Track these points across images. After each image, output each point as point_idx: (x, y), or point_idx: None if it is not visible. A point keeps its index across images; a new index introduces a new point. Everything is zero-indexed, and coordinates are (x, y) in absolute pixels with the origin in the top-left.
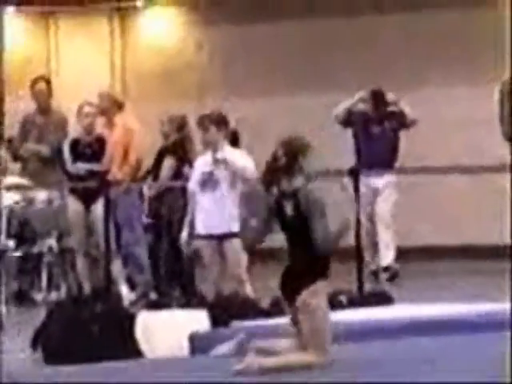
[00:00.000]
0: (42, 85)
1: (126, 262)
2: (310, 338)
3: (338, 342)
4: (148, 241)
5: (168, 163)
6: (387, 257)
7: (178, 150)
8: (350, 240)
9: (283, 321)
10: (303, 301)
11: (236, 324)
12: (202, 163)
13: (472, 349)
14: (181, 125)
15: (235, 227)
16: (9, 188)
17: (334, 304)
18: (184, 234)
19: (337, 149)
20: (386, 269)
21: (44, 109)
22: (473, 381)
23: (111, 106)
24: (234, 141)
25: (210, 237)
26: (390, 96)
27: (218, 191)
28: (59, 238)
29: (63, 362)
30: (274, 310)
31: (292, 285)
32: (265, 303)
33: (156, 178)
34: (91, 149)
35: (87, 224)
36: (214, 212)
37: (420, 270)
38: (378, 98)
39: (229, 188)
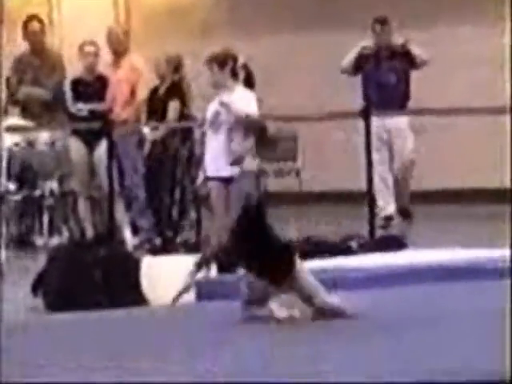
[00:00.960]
0: (34, 25)
1: (129, 206)
2: (310, 297)
3: (348, 288)
4: (150, 184)
5: (174, 105)
6: (400, 200)
7: (179, 91)
8: (361, 184)
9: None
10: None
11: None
12: (213, 104)
13: (486, 295)
14: (177, 66)
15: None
16: (9, 130)
17: (345, 249)
18: (200, 176)
19: (346, 89)
20: (399, 212)
21: (38, 50)
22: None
23: (118, 44)
24: (249, 82)
25: (217, 179)
26: (400, 37)
27: (222, 134)
28: (61, 181)
29: (65, 309)
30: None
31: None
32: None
33: (161, 120)
34: (93, 88)
35: (90, 166)
36: (219, 154)
37: (429, 214)
38: (383, 24)
39: (232, 131)
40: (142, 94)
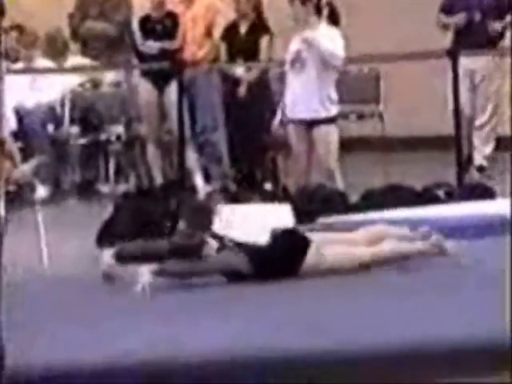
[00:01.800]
0: None
1: (201, 151)
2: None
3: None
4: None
5: (265, 43)
6: (488, 147)
7: (264, 29)
8: (449, 129)
9: (373, 216)
10: None
11: (321, 220)
12: (294, 42)
13: None
14: (257, 2)
15: (326, 112)
16: (72, 69)
17: (431, 198)
18: (276, 119)
19: (433, 28)
20: (486, 159)
21: None
22: None
23: None
24: (333, 20)
25: (298, 122)
26: None
27: (305, 73)
28: (128, 125)
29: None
30: (364, 205)
31: None
32: (354, 198)
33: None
34: (162, 25)
35: (159, 109)
36: (301, 95)
37: None
38: None
39: (317, 70)
40: (219, 31)
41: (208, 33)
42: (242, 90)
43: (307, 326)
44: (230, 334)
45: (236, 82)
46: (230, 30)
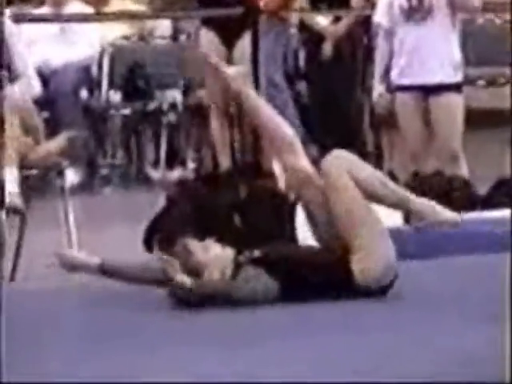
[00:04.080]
0: None
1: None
2: None
3: None
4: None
5: None
6: None
7: None
8: None
9: (501, 214)
10: None
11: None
12: None
13: None
14: None
15: (448, 77)
16: (113, 16)
17: None
18: (378, 87)
19: None
20: None
21: None
22: None
23: None
24: None
25: (410, 89)
26: None
27: (428, 24)
28: (186, 90)
29: None
30: (495, 198)
31: None
32: (483, 189)
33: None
34: None
35: None
36: (417, 53)
37: None
38: None
39: (443, 20)
40: None
41: None
42: (326, 49)
43: None
44: None
45: (319, 37)
46: None
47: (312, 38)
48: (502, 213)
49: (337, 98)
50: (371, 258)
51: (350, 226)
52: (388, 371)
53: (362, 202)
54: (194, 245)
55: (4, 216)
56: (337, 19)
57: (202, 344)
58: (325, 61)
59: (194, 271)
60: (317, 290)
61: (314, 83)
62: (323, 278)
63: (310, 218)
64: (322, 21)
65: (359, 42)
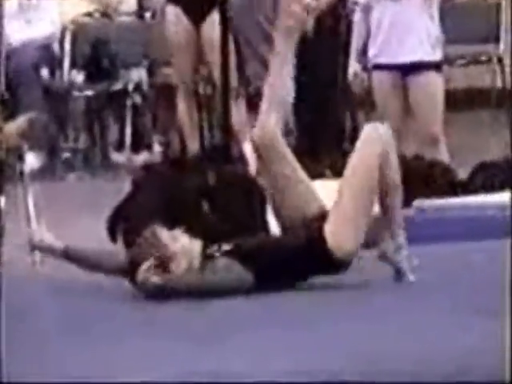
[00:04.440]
0: None
1: (253, 106)
2: None
3: None
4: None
5: None
6: None
7: None
8: None
9: (488, 199)
10: None
11: (418, 203)
12: None
13: None
14: None
15: (428, 55)
16: None
17: None
18: (354, 66)
19: None
20: None
21: None
22: None
23: None
24: None
25: (388, 68)
26: None
27: (405, 0)
28: (151, 69)
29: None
30: (476, 183)
31: None
32: (463, 173)
33: None
34: None
35: (196, 46)
36: (395, 30)
37: None
38: None
39: None
40: None
41: None
42: (308, 25)
43: None
44: None
45: None
46: None
47: None
48: (485, 198)
49: (318, 76)
50: (345, 225)
51: (343, 193)
52: (368, 367)
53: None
54: (162, 233)
55: None
56: None
57: (169, 337)
58: (306, 37)
59: (162, 260)
60: (293, 275)
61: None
62: (298, 258)
63: (276, 193)
64: None
65: (342, 18)
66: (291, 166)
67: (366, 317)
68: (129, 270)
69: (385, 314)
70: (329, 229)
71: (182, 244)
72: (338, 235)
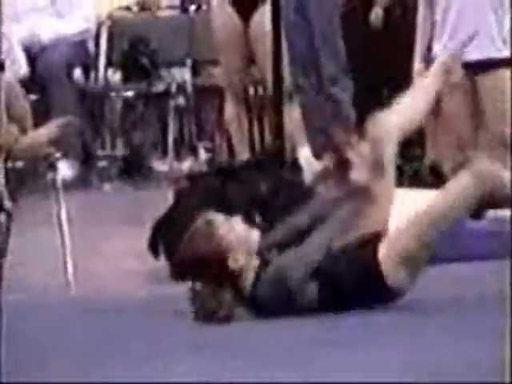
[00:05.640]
0: None
1: (312, 110)
2: None
3: None
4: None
5: None
6: None
7: None
8: None
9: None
10: None
11: (492, 214)
12: None
13: None
14: None
15: (499, 51)
16: None
17: None
18: (418, 66)
19: None
20: None
21: None
22: None
23: None
24: None
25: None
26: None
27: None
28: (196, 69)
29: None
30: None
31: None
32: None
33: None
34: None
35: (245, 44)
36: (465, 25)
37: None
38: None
39: None
40: None
41: None
42: (375, 15)
43: None
44: None
45: (367, 1)
46: None
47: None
48: None
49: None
50: (406, 254)
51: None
52: None
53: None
54: (218, 220)
55: None
56: None
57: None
58: (373, 29)
59: (215, 249)
60: (351, 299)
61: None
62: (353, 282)
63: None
64: None
65: (412, 11)
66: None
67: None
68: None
69: None
70: (386, 252)
71: (240, 233)
72: (396, 262)
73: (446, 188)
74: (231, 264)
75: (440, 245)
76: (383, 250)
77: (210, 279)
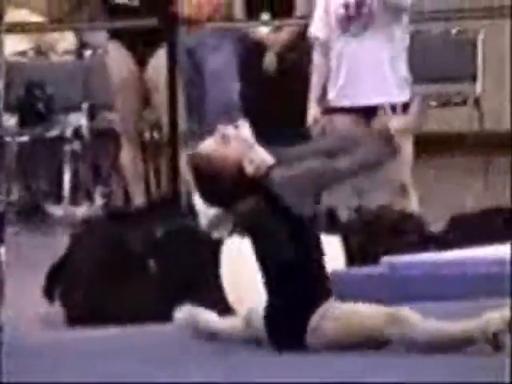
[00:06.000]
0: None
1: None
2: None
3: None
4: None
5: None
6: None
7: None
8: None
9: (464, 254)
10: None
11: (387, 259)
12: None
13: None
14: None
15: (394, 96)
16: (11, 29)
17: None
18: (314, 109)
19: None
20: None
21: None
22: None
23: None
24: None
25: (350, 111)
26: None
27: (368, 36)
28: (92, 113)
29: (97, 323)
30: (451, 236)
31: None
32: (436, 226)
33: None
34: None
35: (140, 88)
36: (359, 70)
37: None
38: None
39: (389, 29)
40: None
41: None
42: (268, 60)
43: None
44: None
45: (259, 47)
46: None
47: (248, 49)
48: (461, 253)
49: (279, 120)
50: None
51: None
52: None
53: None
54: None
55: None
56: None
57: None
58: (267, 75)
59: (228, 156)
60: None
61: (251, 106)
62: None
63: None
64: (263, 30)
65: (306, 56)
66: None
67: None
68: None
69: None
70: None
71: (245, 136)
72: None
73: None
74: (247, 167)
75: None
76: None
77: (235, 191)
